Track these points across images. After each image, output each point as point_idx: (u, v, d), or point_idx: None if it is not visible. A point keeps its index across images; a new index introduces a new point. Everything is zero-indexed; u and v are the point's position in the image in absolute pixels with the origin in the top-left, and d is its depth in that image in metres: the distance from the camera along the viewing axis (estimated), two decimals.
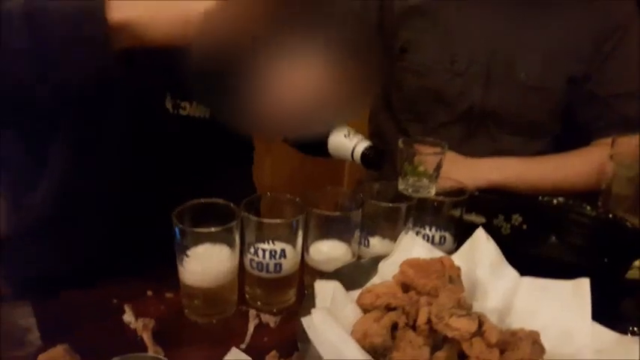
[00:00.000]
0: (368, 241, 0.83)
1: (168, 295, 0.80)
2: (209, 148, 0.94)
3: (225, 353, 0.69)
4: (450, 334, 0.62)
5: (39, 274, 0.88)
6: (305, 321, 0.63)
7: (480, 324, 0.62)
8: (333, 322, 0.63)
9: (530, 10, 1.13)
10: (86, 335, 0.70)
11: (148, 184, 0.86)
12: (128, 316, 0.75)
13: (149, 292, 0.80)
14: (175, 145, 0.89)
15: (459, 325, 0.62)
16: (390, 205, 0.82)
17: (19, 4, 0.62)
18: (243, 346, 0.71)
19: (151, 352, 0.68)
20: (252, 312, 0.77)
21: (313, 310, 0.64)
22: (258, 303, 0.79)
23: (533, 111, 1.19)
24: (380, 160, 0.80)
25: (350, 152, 0.80)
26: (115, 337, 0.71)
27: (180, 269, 0.75)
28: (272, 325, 0.76)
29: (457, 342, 0.62)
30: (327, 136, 0.82)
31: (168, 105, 0.86)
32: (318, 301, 0.69)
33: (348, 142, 0.80)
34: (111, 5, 0.62)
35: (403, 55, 1.19)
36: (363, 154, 0.79)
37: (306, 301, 0.69)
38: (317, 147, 0.84)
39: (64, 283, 0.79)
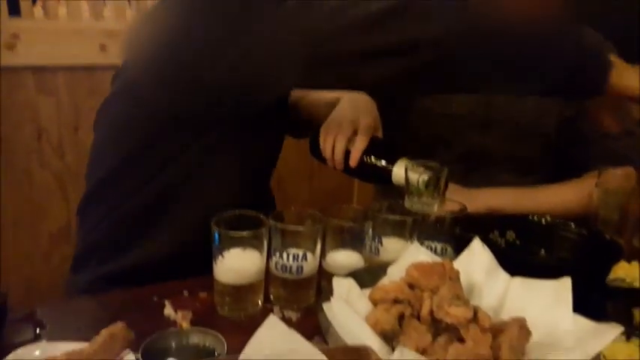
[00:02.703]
0: (378, 250, 0.94)
1: (202, 295, 0.90)
2: None
3: None
4: (449, 321, 0.72)
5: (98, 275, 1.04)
6: (326, 306, 0.74)
7: (475, 312, 0.73)
8: (349, 309, 0.74)
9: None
10: (132, 323, 0.80)
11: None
12: (168, 310, 0.85)
13: (185, 293, 0.91)
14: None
15: (457, 313, 0.72)
16: (398, 217, 0.93)
17: None
18: None
19: None
20: (276, 309, 0.88)
21: (332, 298, 0.75)
22: (282, 302, 0.89)
23: (527, 149, 1.32)
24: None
25: (416, 182, 0.95)
26: (157, 325, 0.81)
27: (215, 268, 0.86)
28: (294, 319, 0.86)
29: (455, 328, 0.72)
30: (390, 171, 1.00)
31: None
32: (335, 294, 0.79)
33: (412, 175, 0.95)
34: None
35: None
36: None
37: (325, 294, 0.80)
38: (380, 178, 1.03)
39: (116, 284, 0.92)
